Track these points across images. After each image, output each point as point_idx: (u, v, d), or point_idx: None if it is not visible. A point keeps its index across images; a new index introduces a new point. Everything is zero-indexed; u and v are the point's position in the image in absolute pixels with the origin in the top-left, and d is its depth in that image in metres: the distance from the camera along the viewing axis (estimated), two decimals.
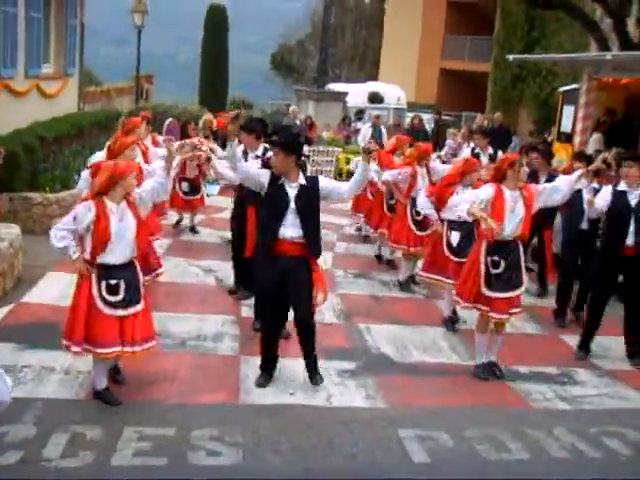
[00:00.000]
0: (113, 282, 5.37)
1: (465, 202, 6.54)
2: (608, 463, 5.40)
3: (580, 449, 5.53)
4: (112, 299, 5.37)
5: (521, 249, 6.60)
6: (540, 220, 8.24)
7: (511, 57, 16.35)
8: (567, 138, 13.70)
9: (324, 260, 10.28)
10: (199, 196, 11.21)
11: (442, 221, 7.90)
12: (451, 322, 7.97)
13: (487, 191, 6.45)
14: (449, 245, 7.76)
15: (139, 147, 7.86)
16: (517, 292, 6.54)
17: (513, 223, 6.40)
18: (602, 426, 5.94)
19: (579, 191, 7.69)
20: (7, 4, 11.94)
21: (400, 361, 7.03)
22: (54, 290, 7.92)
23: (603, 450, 5.56)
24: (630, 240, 7.04)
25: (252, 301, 7.99)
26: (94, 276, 5.36)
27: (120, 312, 5.40)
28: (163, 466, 4.77)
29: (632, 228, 7.03)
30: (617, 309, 7.75)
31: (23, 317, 7.17)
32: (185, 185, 10.94)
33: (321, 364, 6.65)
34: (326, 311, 8.14)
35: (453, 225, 7.70)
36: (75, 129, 13.43)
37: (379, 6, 43.77)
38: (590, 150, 12.79)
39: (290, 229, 5.81)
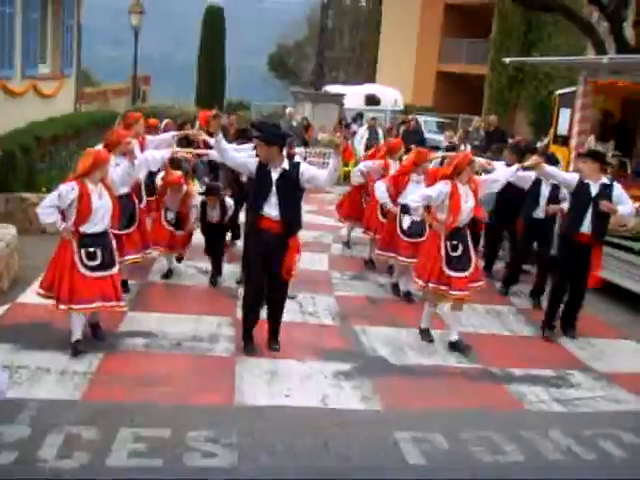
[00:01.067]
0: (92, 250, 6.31)
1: (419, 196, 7.47)
2: (603, 465, 5.40)
3: (575, 451, 5.54)
4: (91, 264, 6.30)
5: (468, 233, 7.43)
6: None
7: (507, 60, 16.35)
8: (564, 141, 13.72)
9: (319, 261, 10.33)
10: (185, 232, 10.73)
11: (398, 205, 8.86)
12: (407, 299, 8.81)
13: (444, 188, 7.19)
14: (401, 227, 8.81)
15: (137, 140, 8.16)
16: (470, 270, 7.28)
17: (467, 212, 7.20)
18: (597, 428, 5.95)
19: (538, 183, 8.76)
20: (4, 4, 11.94)
21: (396, 363, 7.03)
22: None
23: (598, 452, 5.56)
24: (585, 227, 7.68)
25: None
26: (74, 244, 6.28)
27: (98, 274, 6.32)
28: (158, 467, 4.76)
29: (589, 216, 7.68)
30: (609, 311, 7.78)
31: (19, 317, 7.16)
32: (172, 215, 10.32)
33: (317, 365, 6.67)
34: (322, 313, 8.15)
35: (406, 210, 8.33)
36: (72, 129, 13.44)
37: (376, 8, 43.83)
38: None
39: (272, 208, 6.61)
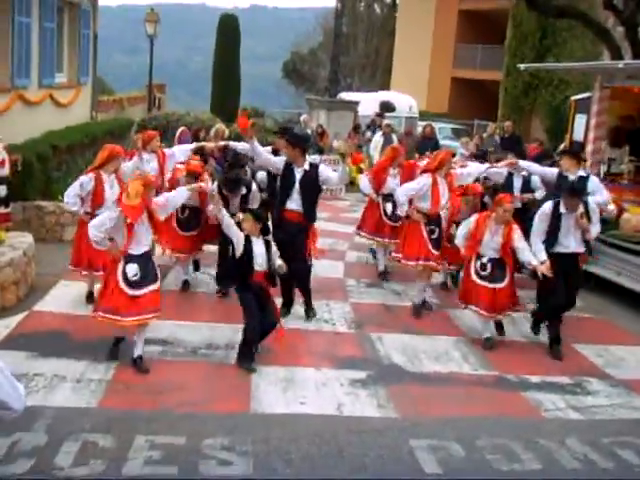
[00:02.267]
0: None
1: (404, 191, 8.60)
2: (621, 474, 5.36)
3: (593, 460, 5.49)
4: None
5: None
6: None
7: (522, 66, 16.28)
8: (580, 147, 13.65)
9: (335, 268, 10.31)
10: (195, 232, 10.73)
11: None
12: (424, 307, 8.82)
13: (426, 180, 8.47)
14: (385, 213, 9.87)
15: (157, 154, 8.87)
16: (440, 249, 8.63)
17: (444, 201, 8.48)
18: (615, 436, 5.90)
19: (510, 176, 9.65)
20: (21, 14, 12.05)
21: (412, 370, 7.01)
22: (66, 299, 7.96)
23: (616, 461, 5.51)
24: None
25: None
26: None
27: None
28: (174, 475, 4.77)
29: None
30: (626, 318, 7.70)
31: (36, 325, 7.20)
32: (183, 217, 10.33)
33: (332, 373, 6.66)
34: (338, 320, 8.14)
35: (388, 198, 9.72)
36: (88, 138, 13.52)
37: (391, 15, 43.87)
38: (605, 158, 12.75)
39: (294, 202, 7.81)
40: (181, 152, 9.14)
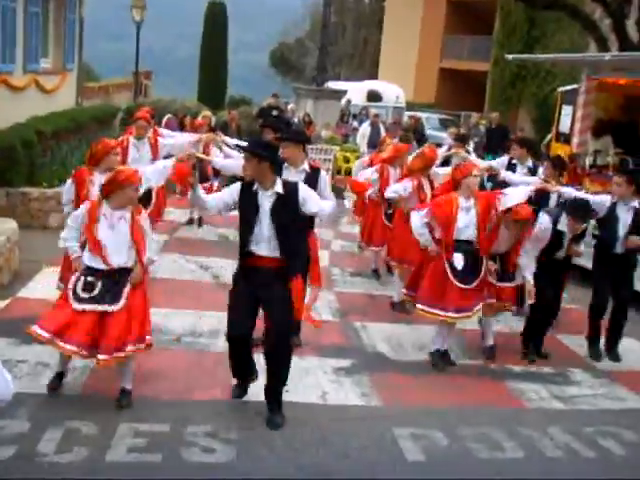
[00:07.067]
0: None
1: (397, 188, 8.29)
2: (603, 463, 5.41)
3: (575, 449, 5.54)
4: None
5: None
6: None
7: (510, 57, 16.32)
8: (565, 138, 13.70)
9: (320, 257, 10.29)
10: (208, 185, 11.20)
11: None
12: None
13: (410, 184, 8.16)
14: (386, 215, 9.13)
15: (148, 141, 8.47)
16: None
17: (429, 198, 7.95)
18: (597, 426, 5.95)
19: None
20: None
21: (395, 359, 7.03)
22: (51, 285, 7.90)
23: (598, 450, 5.56)
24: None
25: None
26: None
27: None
28: (158, 462, 4.76)
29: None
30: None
31: (19, 312, 7.15)
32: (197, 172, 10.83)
33: (317, 361, 6.67)
34: (322, 309, 8.14)
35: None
36: (73, 124, 13.42)
37: (379, 4, 43.74)
38: (590, 150, 12.81)
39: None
40: (180, 146, 8.16)
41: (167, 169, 6.79)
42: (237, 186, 5.47)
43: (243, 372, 5.72)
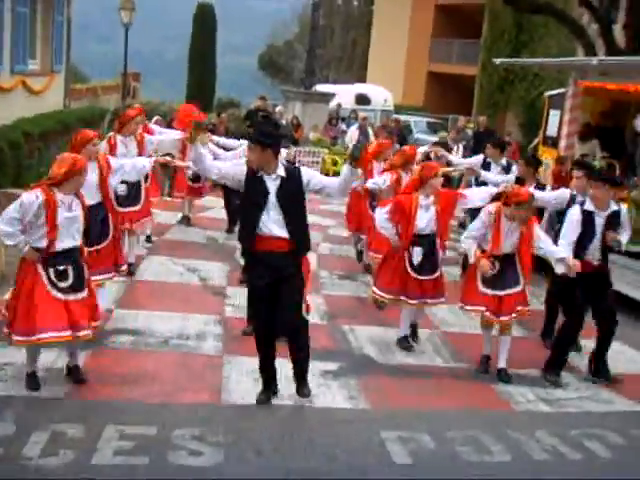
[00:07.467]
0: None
1: (377, 180, 8.78)
2: (589, 465, 5.42)
3: (561, 451, 5.55)
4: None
5: None
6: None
7: (498, 61, 16.36)
8: (553, 142, 13.75)
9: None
10: (201, 184, 11.33)
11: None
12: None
13: (390, 177, 8.54)
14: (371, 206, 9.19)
15: (135, 137, 8.33)
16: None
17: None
18: (583, 428, 5.97)
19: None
20: None
21: (383, 362, 7.04)
22: None
23: (584, 452, 5.58)
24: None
25: (236, 301, 8.02)
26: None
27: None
28: (144, 465, 4.74)
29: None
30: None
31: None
32: (191, 172, 10.95)
33: None
34: (310, 312, 8.12)
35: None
36: (61, 126, 13.40)
37: (367, 7, 43.82)
38: (577, 154, 12.85)
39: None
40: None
41: (145, 168, 7.34)
42: (243, 170, 5.72)
43: (270, 369, 5.90)
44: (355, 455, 5.16)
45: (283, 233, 5.58)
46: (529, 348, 7.83)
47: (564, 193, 7.67)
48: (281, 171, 5.62)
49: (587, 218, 6.91)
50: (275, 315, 5.64)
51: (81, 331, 5.58)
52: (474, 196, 7.53)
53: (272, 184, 5.58)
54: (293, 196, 5.63)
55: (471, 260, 7.00)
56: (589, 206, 6.95)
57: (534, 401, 6.49)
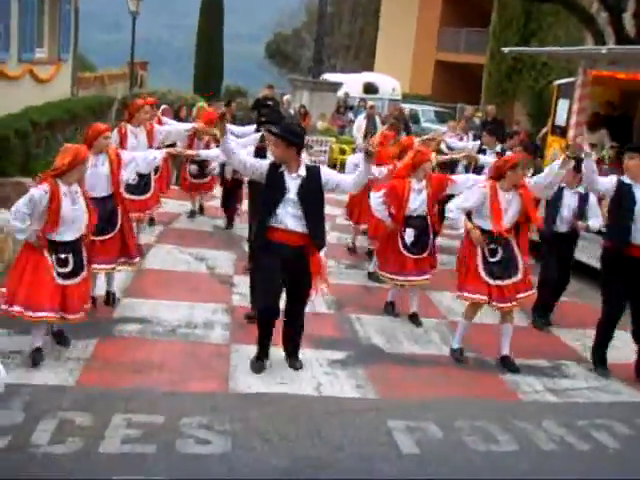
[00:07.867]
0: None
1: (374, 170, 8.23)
2: (596, 456, 5.41)
3: (569, 442, 5.54)
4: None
5: None
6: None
7: (506, 50, 16.26)
8: (561, 131, 13.68)
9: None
10: (207, 180, 11.30)
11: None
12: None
13: (386, 167, 8.59)
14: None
15: (144, 127, 8.48)
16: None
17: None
18: (591, 419, 5.95)
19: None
20: None
21: (390, 352, 7.03)
22: None
23: (592, 443, 5.57)
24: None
25: (243, 290, 8.01)
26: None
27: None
28: (152, 453, 4.75)
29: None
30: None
31: None
32: (194, 168, 10.98)
33: (311, 354, 6.66)
34: (317, 301, 8.13)
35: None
36: (68, 114, 13.36)
37: None
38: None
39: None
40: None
41: (156, 160, 7.38)
42: (266, 163, 6.05)
43: (268, 342, 6.25)
44: (362, 444, 5.16)
45: (298, 228, 5.90)
46: (536, 338, 7.82)
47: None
48: (302, 171, 5.91)
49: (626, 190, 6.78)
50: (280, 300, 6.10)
51: (71, 315, 5.86)
52: (459, 184, 7.70)
53: (293, 183, 5.89)
54: (314, 195, 5.94)
55: (460, 231, 6.99)
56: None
57: (542, 391, 6.48)
